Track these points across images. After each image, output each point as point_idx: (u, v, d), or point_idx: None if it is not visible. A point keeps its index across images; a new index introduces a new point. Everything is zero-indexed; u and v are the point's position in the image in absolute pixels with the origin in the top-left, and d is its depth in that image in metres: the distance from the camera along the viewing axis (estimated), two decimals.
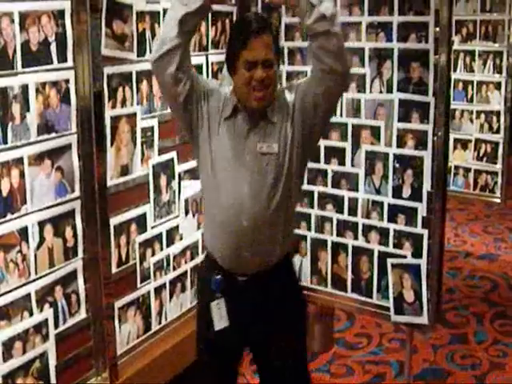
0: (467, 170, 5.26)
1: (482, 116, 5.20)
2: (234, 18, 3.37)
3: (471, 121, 5.24)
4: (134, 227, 2.85)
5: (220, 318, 2.30)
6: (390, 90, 3.05)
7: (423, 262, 3.02)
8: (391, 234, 3.10)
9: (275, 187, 2.19)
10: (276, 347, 2.36)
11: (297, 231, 3.42)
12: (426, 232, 3.00)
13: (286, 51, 3.34)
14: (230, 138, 2.22)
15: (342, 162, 3.21)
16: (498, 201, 5.28)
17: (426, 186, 2.98)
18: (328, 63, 2.11)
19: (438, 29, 2.88)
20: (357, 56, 3.09)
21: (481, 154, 5.23)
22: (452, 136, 5.20)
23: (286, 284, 2.37)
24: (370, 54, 3.08)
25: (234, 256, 2.24)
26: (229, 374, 2.48)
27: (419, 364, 3.59)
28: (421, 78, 2.96)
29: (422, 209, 3.01)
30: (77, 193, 2.53)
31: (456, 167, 5.29)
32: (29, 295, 2.39)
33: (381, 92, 3.07)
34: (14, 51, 2.22)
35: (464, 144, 5.25)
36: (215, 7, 3.17)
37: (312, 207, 3.34)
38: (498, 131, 5.13)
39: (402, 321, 3.13)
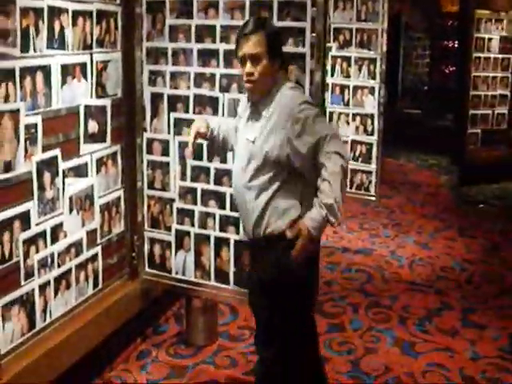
0: None
1: (358, 119, 5.52)
2: (119, 18, 3.42)
3: (348, 123, 5.55)
4: (17, 224, 2.83)
5: None
6: None
7: None
8: None
9: (248, 166, 2.59)
10: None
11: (180, 227, 3.52)
12: None
13: (169, 52, 3.43)
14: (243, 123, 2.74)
15: (223, 160, 3.35)
16: (373, 199, 5.63)
17: None
18: None
19: (314, 34, 3.07)
20: None
21: (357, 155, 5.54)
22: None
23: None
24: None
25: None
26: None
27: None
28: (297, 80, 3.12)
29: None
30: None
31: None
32: None
33: None
34: None
35: None
36: (100, 6, 3.23)
37: (195, 204, 3.45)
38: (372, 133, 5.47)
39: None
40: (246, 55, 2.53)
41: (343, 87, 5.53)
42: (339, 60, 5.53)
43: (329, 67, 5.48)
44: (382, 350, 3.89)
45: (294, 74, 3.13)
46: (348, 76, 5.53)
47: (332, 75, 5.52)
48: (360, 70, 5.48)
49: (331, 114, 5.52)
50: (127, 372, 3.55)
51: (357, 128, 5.50)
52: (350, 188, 5.55)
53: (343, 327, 4.16)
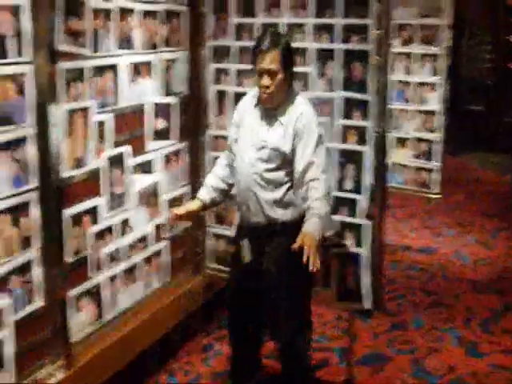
0: (406, 167, 5.48)
1: (420, 116, 5.43)
2: (185, 18, 3.48)
3: (409, 120, 5.47)
4: (87, 218, 2.93)
5: None
6: (333, 89, 3.21)
7: (363, 251, 3.19)
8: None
9: (265, 164, 2.82)
10: None
11: None
12: (367, 222, 3.17)
13: (234, 50, 3.47)
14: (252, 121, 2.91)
15: None
16: (436, 197, 5.52)
17: (368, 178, 3.15)
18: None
19: (378, 31, 3.06)
20: (302, 56, 3.25)
21: (419, 152, 5.46)
22: (391, 135, 5.42)
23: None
24: (315, 54, 3.24)
25: None
26: None
27: (361, 350, 3.74)
28: (361, 77, 3.13)
29: (362, 201, 3.18)
30: (33, 184, 2.59)
31: (395, 164, 5.51)
32: None
33: (325, 90, 3.23)
34: None
35: (403, 142, 5.47)
36: (168, 7, 3.31)
37: None
38: (435, 130, 5.37)
39: (345, 307, 3.29)
40: (262, 70, 2.73)
41: (405, 84, 5.46)
42: (401, 56, 5.46)
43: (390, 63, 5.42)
44: (445, 349, 3.84)
45: (357, 71, 3.14)
46: (410, 72, 5.45)
47: (394, 72, 5.45)
48: (423, 66, 5.41)
49: (393, 110, 5.45)
50: (190, 364, 3.61)
51: (419, 125, 5.43)
52: (413, 186, 5.48)
53: (405, 326, 4.13)
